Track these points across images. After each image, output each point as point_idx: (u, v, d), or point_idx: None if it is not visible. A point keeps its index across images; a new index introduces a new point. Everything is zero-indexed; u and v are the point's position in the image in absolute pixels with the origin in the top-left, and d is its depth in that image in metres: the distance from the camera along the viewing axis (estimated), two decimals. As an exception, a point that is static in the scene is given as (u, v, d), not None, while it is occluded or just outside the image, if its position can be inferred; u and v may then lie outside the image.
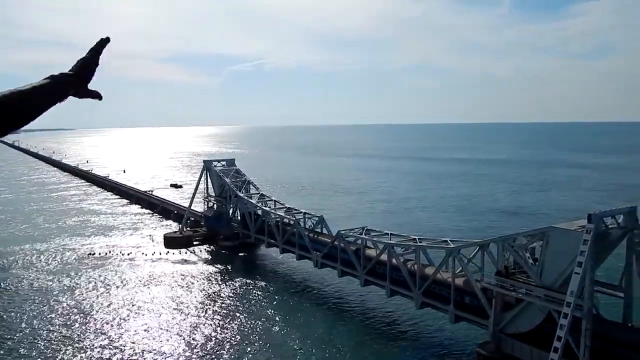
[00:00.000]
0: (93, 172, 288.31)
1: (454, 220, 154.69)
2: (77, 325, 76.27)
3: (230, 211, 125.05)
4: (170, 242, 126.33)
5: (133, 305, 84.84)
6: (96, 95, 5.10)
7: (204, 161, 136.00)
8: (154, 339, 71.81)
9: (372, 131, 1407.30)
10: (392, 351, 67.05)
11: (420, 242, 72.52)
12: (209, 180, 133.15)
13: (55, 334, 73.25)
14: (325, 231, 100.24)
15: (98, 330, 74.51)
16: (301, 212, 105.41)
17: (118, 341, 70.82)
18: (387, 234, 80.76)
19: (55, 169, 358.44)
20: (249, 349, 68.24)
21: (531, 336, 57.02)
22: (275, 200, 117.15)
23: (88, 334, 73.37)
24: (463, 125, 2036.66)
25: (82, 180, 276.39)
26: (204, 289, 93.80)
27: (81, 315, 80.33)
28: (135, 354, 67.20)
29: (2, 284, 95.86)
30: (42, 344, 70.03)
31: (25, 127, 4.60)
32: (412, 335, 72.27)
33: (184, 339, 71.74)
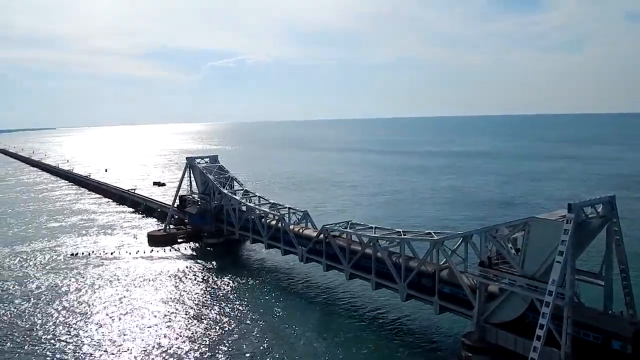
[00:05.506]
0: (74, 171, 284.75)
1: (445, 212, 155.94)
2: (62, 326, 75.43)
3: (214, 208, 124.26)
4: (155, 240, 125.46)
5: (120, 305, 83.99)
6: None
7: (187, 158, 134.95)
8: (142, 338, 71.20)
9: (352, 125, 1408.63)
10: (379, 343, 67.45)
11: (405, 235, 72.72)
12: (192, 177, 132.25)
13: (40, 334, 72.35)
14: (310, 226, 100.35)
15: (84, 330, 73.69)
16: (286, 208, 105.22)
17: (106, 341, 70.16)
18: (371, 227, 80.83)
19: (35, 169, 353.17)
20: (237, 346, 68.08)
21: (515, 325, 57.74)
22: (259, 196, 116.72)
23: (74, 334, 72.54)
24: (442, 119, 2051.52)
25: (63, 180, 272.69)
26: (190, 287, 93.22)
27: (66, 316, 79.45)
28: (125, 352, 66.71)
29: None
30: (28, 346, 69.21)
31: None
32: (397, 326, 72.81)
33: (172, 337, 71.29)
